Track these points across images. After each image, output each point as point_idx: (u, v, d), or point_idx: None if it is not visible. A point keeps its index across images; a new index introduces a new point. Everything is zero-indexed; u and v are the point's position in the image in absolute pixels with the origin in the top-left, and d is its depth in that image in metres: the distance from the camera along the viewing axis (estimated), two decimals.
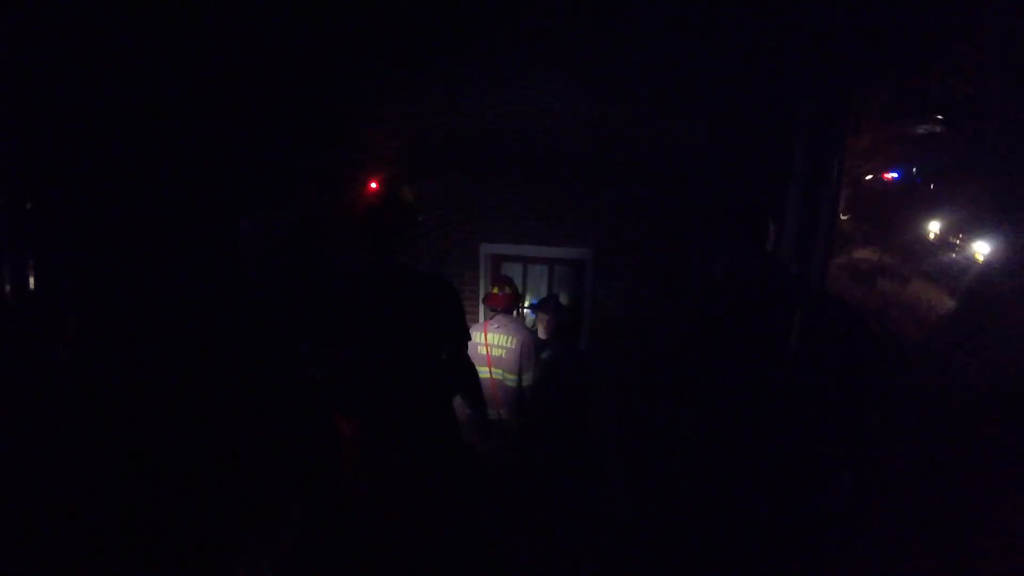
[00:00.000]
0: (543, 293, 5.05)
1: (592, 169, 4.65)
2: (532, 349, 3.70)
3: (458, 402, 2.43)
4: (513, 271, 5.08)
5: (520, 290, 4.20)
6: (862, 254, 10.70)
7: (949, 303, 8.31)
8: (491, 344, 3.69)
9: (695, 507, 2.87)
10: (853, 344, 3.13)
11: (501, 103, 4.77)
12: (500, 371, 3.68)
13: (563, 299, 4.92)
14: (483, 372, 3.64)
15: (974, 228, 10.75)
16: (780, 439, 2.68)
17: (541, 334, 4.07)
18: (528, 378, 3.70)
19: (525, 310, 5.12)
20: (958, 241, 11.48)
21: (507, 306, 3.82)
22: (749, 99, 4.27)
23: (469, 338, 2.34)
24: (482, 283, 5.03)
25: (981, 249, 10.24)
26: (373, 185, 3.66)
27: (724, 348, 2.73)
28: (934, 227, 12.34)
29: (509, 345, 3.65)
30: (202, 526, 1.15)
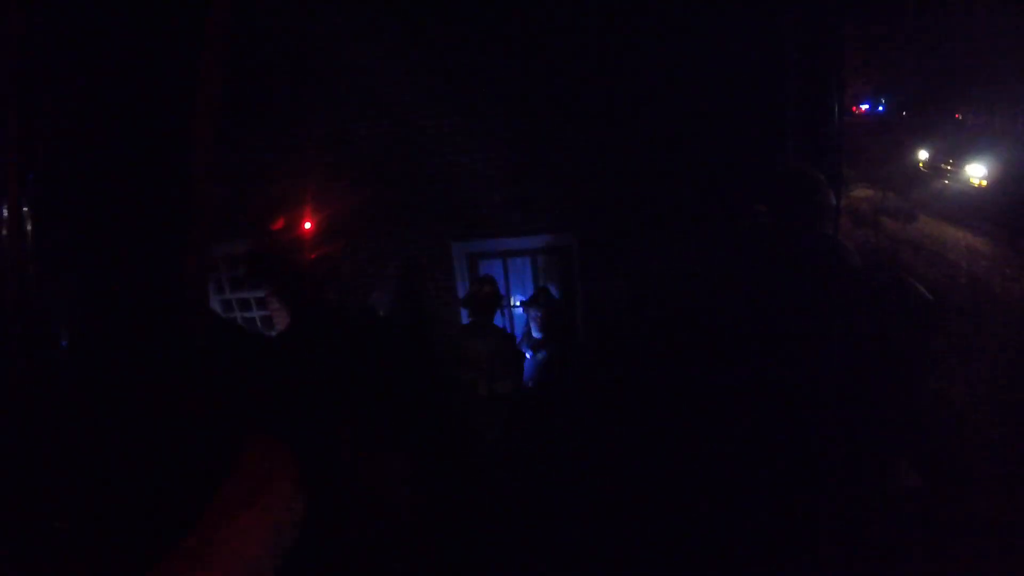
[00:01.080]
0: (528, 288, 4.54)
1: (566, 139, 4.10)
2: (507, 355, 3.43)
3: None
4: (493, 268, 4.55)
5: (499, 289, 3.77)
6: (860, 193, 10.35)
7: (962, 238, 7.97)
8: (468, 346, 3.44)
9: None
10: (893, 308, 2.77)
11: (453, 76, 4.17)
12: (475, 374, 3.41)
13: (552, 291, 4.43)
14: (464, 373, 3.43)
15: (963, 152, 10.51)
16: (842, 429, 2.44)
17: (535, 332, 3.76)
18: (502, 387, 3.40)
19: (516, 308, 4.64)
20: (949, 167, 11.24)
21: (484, 308, 3.53)
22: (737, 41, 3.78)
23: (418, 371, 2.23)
24: (459, 286, 4.50)
25: (976, 172, 9.99)
26: (307, 225, 3.07)
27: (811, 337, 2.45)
28: (923, 156, 12.11)
29: (482, 349, 3.39)
30: (201, 526, 0.97)
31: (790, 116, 4.10)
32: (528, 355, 3.74)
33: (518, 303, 4.68)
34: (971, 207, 8.79)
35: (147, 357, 1.35)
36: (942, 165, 10.45)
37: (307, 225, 2.95)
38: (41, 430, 1.09)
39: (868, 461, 2.55)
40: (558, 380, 3.63)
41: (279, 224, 3.06)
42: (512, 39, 3.97)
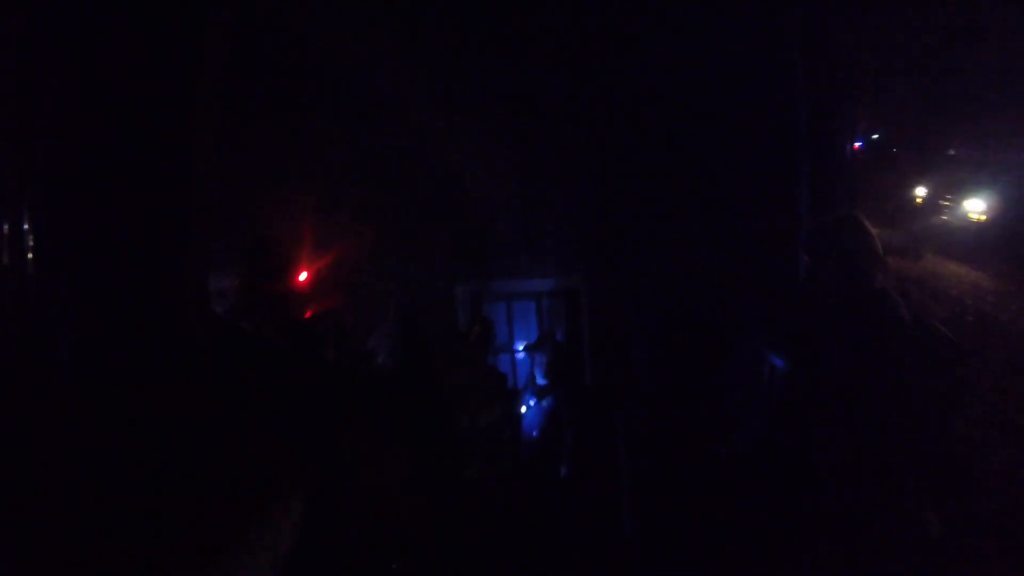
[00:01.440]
0: (533, 332, 4.42)
1: (575, 181, 4.02)
2: (488, 387, 3.33)
3: None
4: (496, 310, 4.43)
5: (494, 330, 3.71)
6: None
7: (966, 274, 7.92)
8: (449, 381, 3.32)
9: None
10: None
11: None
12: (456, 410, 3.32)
13: (558, 335, 4.31)
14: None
15: (960, 188, 10.55)
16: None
17: (539, 378, 3.68)
18: (484, 419, 3.28)
19: (520, 353, 4.52)
20: (948, 203, 11.26)
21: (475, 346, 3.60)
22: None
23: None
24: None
25: (975, 207, 9.99)
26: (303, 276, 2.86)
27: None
28: (920, 192, 12.16)
29: (462, 380, 3.34)
30: (201, 526, 1.09)
31: (803, 158, 4.05)
32: (532, 402, 3.59)
33: (521, 348, 4.54)
34: (972, 243, 8.74)
35: (147, 357, 1.31)
36: (940, 201, 10.47)
37: (303, 276, 2.77)
38: (42, 430, 1.05)
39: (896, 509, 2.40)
40: (564, 427, 3.51)
41: (271, 269, 2.83)
42: (521, 81, 3.92)
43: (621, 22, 3.87)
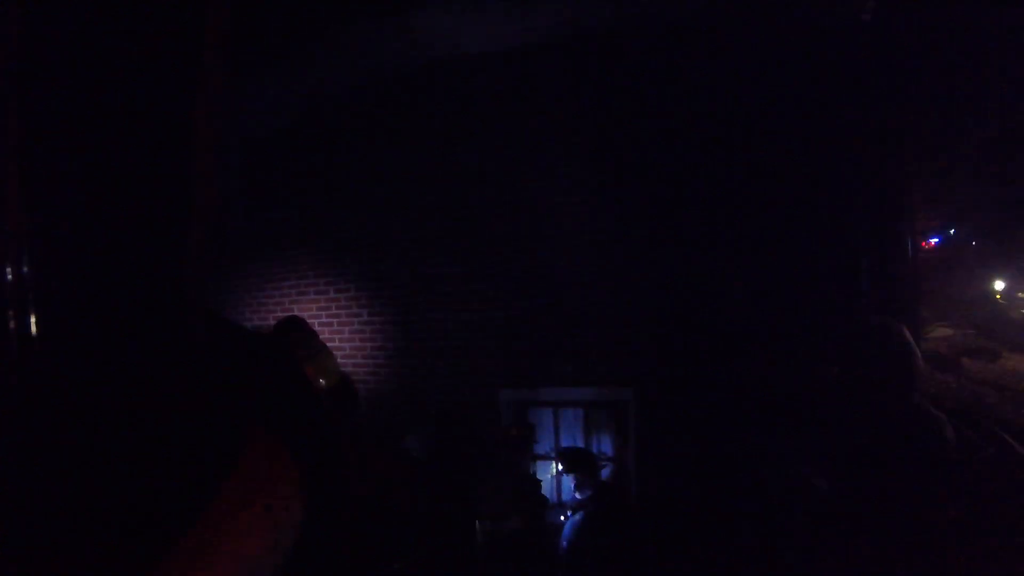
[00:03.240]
0: (579, 440, 4.25)
1: (627, 289, 3.96)
2: (514, 492, 3.43)
3: None
4: (542, 416, 4.30)
5: (532, 435, 3.88)
6: (938, 333, 9.80)
7: None
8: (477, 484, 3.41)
9: None
10: None
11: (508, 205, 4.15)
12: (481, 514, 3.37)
13: (602, 447, 4.19)
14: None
15: None
16: None
17: (575, 493, 3.56)
18: (511, 525, 3.36)
19: (555, 471, 4.33)
20: None
21: (514, 446, 3.64)
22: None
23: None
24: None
25: None
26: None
27: None
28: (998, 286, 11.55)
29: (489, 484, 3.42)
30: (200, 526, 0.88)
31: (863, 259, 3.90)
32: (568, 515, 3.50)
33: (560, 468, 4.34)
34: None
35: (147, 356, 1.29)
36: (1019, 294, 9.89)
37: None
38: (39, 429, 1.02)
39: None
40: (597, 543, 3.35)
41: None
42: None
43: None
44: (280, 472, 1.36)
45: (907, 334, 2.42)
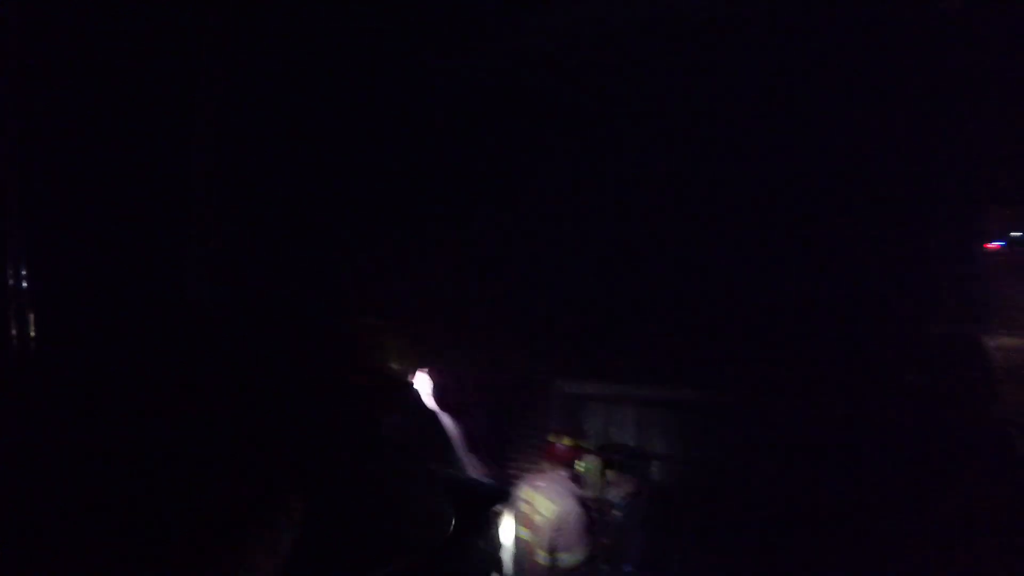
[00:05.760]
0: (629, 442, 4.22)
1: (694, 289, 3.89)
2: (576, 524, 3.09)
3: None
4: (593, 414, 4.28)
5: (585, 442, 3.57)
6: (1008, 342, 9.28)
7: None
8: (532, 505, 3.16)
9: None
10: None
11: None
12: (536, 539, 3.12)
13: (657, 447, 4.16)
14: (523, 533, 3.18)
15: None
16: None
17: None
18: (568, 559, 3.07)
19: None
20: None
21: (562, 461, 3.28)
22: None
23: None
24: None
25: None
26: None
27: None
28: None
29: (546, 513, 3.09)
30: (200, 526, 1.08)
31: (938, 267, 3.77)
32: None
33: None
34: None
35: (148, 358, 1.31)
36: None
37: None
38: (43, 430, 1.06)
39: None
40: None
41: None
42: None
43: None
44: (281, 471, 1.36)
45: (986, 345, 2.33)
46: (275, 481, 1.37)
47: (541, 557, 3.10)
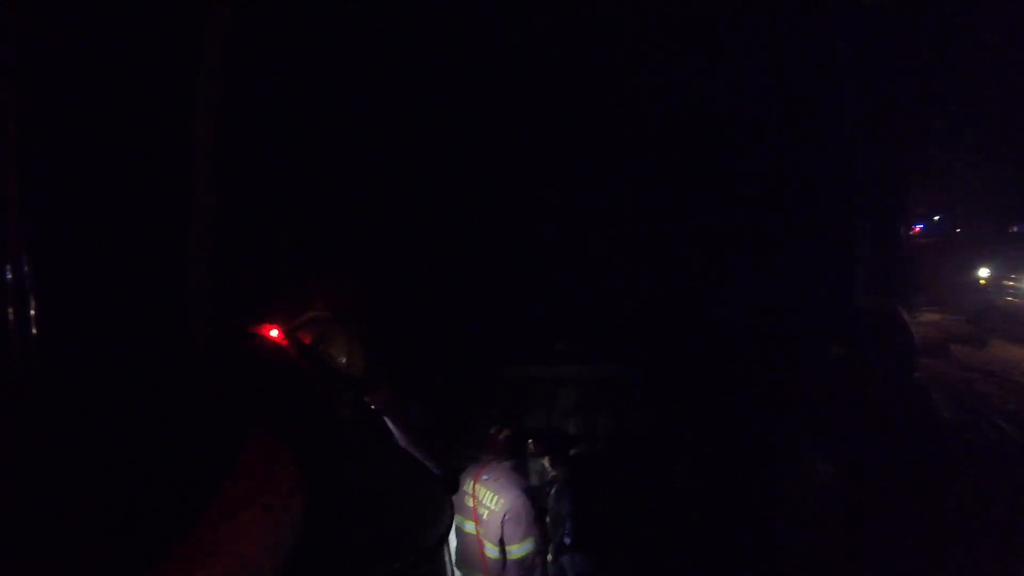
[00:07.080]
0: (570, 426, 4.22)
1: (621, 268, 3.93)
2: (524, 515, 2.98)
3: None
4: (535, 400, 4.26)
5: (526, 431, 3.52)
6: (926, 318, 9.83)
7: None
8: (477, 499, 3.04)
9: None
10: None
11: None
12: (484, 533, 3.03)
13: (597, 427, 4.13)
14: (469, 528, 3.07)
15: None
16: None
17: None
18: (518, 551, 2.98)
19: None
20: (1012, 283, 10.76)
21: (503, 452, 3.16)
22: None
23: None
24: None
25: None
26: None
27: None
28: (983, 273, 11.68)
29: (493, 506, 2.98)
30: (201, 526, 1.04)
31: (859, 247, 3.89)
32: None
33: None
34: None
35: (149, 359, 1.27)
36: (1004, 281, 10.06)
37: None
38: (44, 430, 1.02)
39: None
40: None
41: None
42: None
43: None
44: (280, 472, 1.33)
45: (905, 316, 2.44)
46: (275, 480, 1.34)
47: (490, 550, 3.03)
